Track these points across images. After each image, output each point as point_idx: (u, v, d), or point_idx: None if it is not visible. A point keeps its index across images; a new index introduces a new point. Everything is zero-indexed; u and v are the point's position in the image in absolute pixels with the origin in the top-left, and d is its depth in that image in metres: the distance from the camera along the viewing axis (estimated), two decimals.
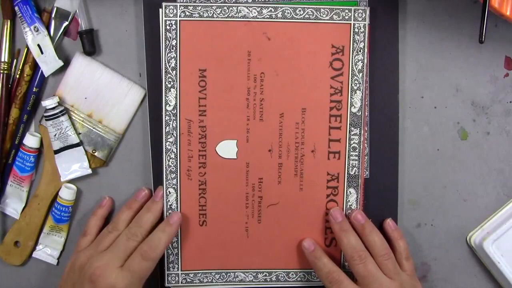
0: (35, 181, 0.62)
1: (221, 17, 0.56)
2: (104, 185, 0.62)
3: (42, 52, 0.58)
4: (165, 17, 0.56)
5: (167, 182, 0.59)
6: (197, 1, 0.57)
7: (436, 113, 0.62)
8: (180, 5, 0.56)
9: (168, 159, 0.58)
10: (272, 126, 0.58)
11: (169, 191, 0.59)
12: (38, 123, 0.61)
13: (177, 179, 0.59)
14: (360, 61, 0.57)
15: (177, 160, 0.58)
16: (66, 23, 0.59)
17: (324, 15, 0.56)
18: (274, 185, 0.59)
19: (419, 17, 0.60)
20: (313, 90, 0.58)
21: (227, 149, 0.59)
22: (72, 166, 0.60)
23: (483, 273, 0.63)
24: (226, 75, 0.57)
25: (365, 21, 0.57)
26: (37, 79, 0.59)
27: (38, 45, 0.58)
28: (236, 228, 0.60)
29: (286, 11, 0.56)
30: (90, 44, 0.59)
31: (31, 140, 0.60)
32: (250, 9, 0.56)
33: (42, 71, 0.59)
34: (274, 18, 0.57)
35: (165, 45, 0.57)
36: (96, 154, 0.60)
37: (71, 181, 0.61)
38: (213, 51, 0.57)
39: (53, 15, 0.59)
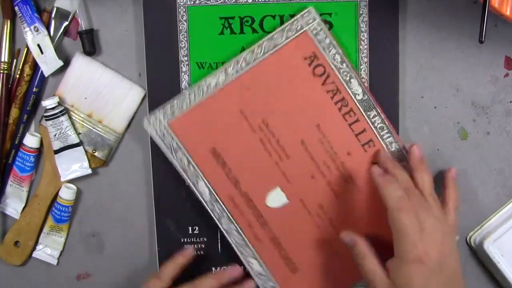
0: (35, 181, 0.62)
1: (198, 99, 0.57)
2: (104, 185, 0.62)
3: (42, 52, 0.58)
4: (154, 127, 0.57)
5: (242, 256, 0.59)
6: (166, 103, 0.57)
7: (436, 113, 0.62)
8: (158, 112, 0.57)
9: (233, 238, 0.59)
10: (301, 155, 0.58)
11: (250, 262, 0.59)
12: (38, 123, 0.61)
13: (249, 248, 0.59)
14: (336, 54, 0.57)
15: (240, 233, 0.59)
16: (66, 23, 0.59)
17: (280, 39, 0.57)
18: (336, 202, 0.59)
19: (419, 17, 0.60)
20: (314, 105, 0.58)
21: (276, 198, 0.59)
22: (72, 166, 0.60)
23: (483, 273, 0.63)
24: (236, 141, 0.58)
25: (315, 19, 0.57)
26: (37, 79, 0.59)
27: (38, 45, 0.58)
28: (328, 265, 0.60)
29: (247, 57, 0.57)
30: (90, 44, 0.59)
31: (31, 140, 0.60)
32: (215, 76, 0.57)
33: (42, 71, 0.59)
34: (240, 71, 0.57)
35: (172, 150, 0.58)
36: (96, 154, 0.60)
37: (71, 181, 0.61)
38: (211, 130, 0.58)
39: (53, 15, 0.59)
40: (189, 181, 0.58)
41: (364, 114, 0.58)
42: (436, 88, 0.61)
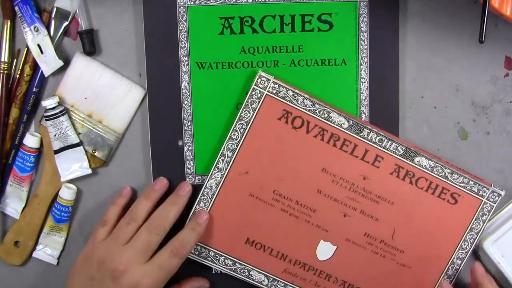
0: (35, 181, 0.62)
1: (209, 205, 0.59)
2: (104, 185, 0.62)
3: (42, 52, 0.58)
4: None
5: None
6: None
7: (436, 113, 0.62)
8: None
9: None
10: (324, 203, 0.59)
11: None
12: (38, 123, 0.61)
13: None
14: (304, 100, 0.58)
15: None
16: (66, 23, 0.59)
17: (249, 114, 0.58)
18: (379, 225, 0.60)
19: (419, 17, 0.60)
20: (310, 154, 0.59)
21: (325, 250, 0.61)
22: (72, 166, 0.60)
23: None
24: (261, 222, 0.60)
25: (269, 79, 0.57)
26: (37, 79, 0.59)
27: (38, 45, 0.58)
28: (399, 279, 0.61)
29: (230, 146, 0.59)
30: (90, 44, 0.59)
31: (31, 140, 0.60)
32: (213, 178, 0.59)
33: (42, 71, 0.59)
34: (230, 161, 0.58)
35: (213, 260, 0.60)
36: (96, 154, 0.60)
37: (71, 181, 0.61)
38: (234, 224, 0.60)
39: (53, 15, 0.59)
40: (243, 277, 0.60)
41: (359, 137, 0.58)
42: (436, 88, 0.61)
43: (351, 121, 0.58)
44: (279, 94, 0.57)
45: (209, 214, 0.58)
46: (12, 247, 0.62)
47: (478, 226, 0.60)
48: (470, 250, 0.61)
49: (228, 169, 0.58)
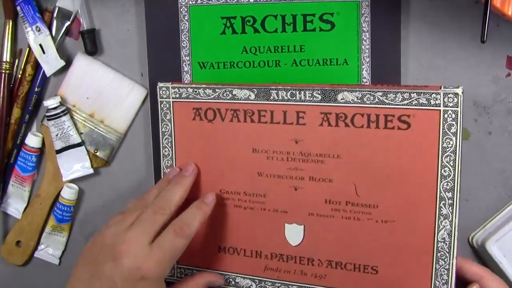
0: (37, 181, 0.62)
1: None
2: (106, 185, 0.62)
3: (44, 52, 0.58)
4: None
5: None
6: None
7: None
8: None
9: None
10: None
11: None
12: (40, 123, 0.61)
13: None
14: None
15: (303, 285, 0.56)
16: (68, 23, 0.59)
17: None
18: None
19: (421, 17, 0.60)
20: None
21: (294, 234, 0.55)
22: (74, 166, 0.60)
23: None
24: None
25: None
26: (39, 79, 0.59)
27: (40, 45, 0.58)
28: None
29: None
30: (92, 44, 0.59)
31: (33, 140, 0.60)
32: None
33: (44, 71, 0.59)
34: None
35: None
36: (98, 154, 0.60)
37: (73, 181, 0.61)
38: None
39: (55, 15, 0.59)
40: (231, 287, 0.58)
41: (270, 102, 0.54)
42: None
43: (255, 90, 0.54)
44: (182, 95, 0.56)
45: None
46: (14, 247, 0.62)
47: (451, 142, 0.49)
48: (457, 176, 0.49)
49: None
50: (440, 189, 0.50)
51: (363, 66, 0.60)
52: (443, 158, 0.49)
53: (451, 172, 0.49)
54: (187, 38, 0.59)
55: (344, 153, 0.52)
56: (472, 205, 0.62)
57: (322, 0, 0.59)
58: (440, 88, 0.49)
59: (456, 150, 0.49)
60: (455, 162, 0.49)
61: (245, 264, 0.57)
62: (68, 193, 0.60)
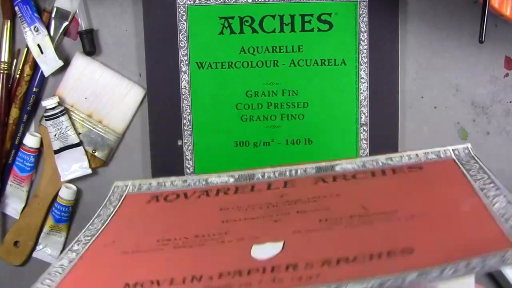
0: (35, 181, 0.62)
1: None
2: (104, 185, 0.62)
3: (42, 52, 0.58)
4: None
5: None
6: None
7: (436, 113, 0.62)
8: None
9: None
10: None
11: None
12: (38, 123, 0.61)
13: None
14: None
15: None
16: (66, 23, 0.59)
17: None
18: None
19: (419, 17, 0.60)
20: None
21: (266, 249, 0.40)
22: (72, 166, 0.60)
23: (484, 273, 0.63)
24: None
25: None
26: (37, 79, 0.59)
27: (38, 45, 0.58)
28: None
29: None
30: (90, 44, 0.59)
31: (31, 140, 0.60)
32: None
33: (42, 71, 0.59)
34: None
35: None
36: (96, 154, 0.60)
37: (71, 181, 0.61)
38: None
39: (53, 15, 0.59)
40: None
41: (252, 181, 0.47)
42: (436, 88, 0.61)
43: (237, 175, 0.48)
44: (142, 188, 0.50)
45: None
46: (12, 247, 0.62)
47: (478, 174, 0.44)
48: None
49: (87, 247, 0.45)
50: None
51: (361, 66, 0.60)
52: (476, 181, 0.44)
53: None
54: (185, 38, 0.59)
55: (344, 195, 0.44)
56: None
57: (320, 0, 0.59)
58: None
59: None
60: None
61: None
62: (66, 193, 0.60)
